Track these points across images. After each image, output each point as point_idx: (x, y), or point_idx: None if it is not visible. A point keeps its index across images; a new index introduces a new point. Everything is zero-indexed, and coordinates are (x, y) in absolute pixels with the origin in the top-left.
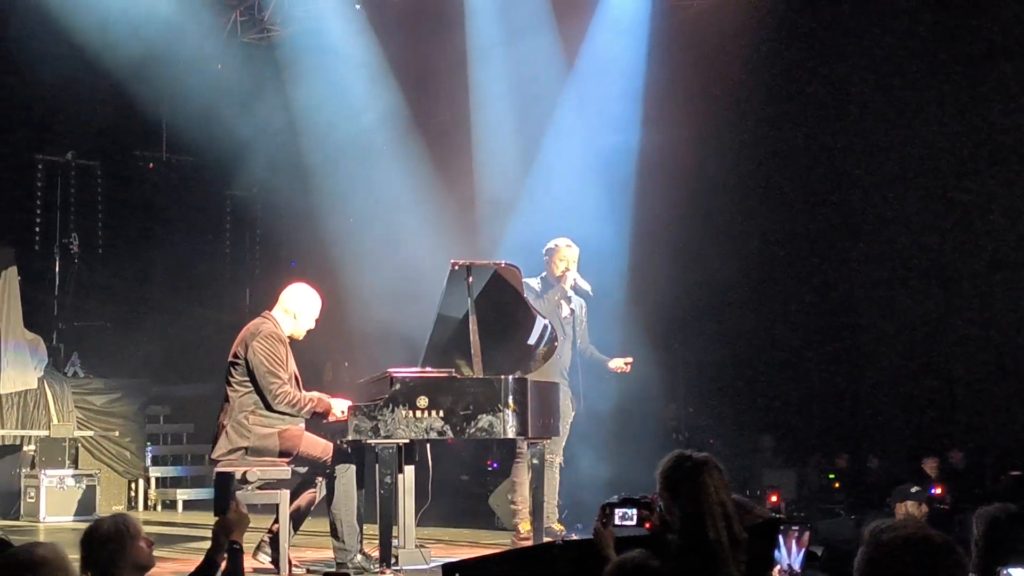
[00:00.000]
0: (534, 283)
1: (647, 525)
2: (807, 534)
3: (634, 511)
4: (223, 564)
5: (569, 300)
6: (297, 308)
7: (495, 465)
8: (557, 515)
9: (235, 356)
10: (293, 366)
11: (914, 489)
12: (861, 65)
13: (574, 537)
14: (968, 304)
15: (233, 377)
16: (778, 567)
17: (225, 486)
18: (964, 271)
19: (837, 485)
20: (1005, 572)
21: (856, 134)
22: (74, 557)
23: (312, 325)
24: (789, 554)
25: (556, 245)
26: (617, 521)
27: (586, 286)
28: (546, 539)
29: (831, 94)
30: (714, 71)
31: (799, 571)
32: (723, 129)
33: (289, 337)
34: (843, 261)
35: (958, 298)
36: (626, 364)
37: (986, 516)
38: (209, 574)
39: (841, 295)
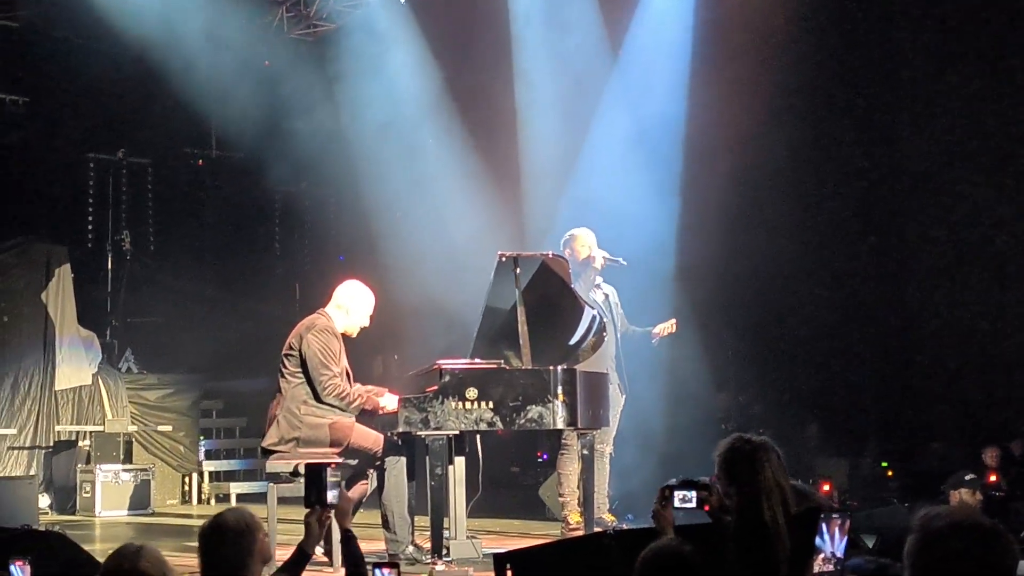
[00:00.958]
0: None
1: (706, 508)
2: (848, 522)
3: (693, 493)
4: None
5: (599, 287)
6: (350, 305)
7: (545, 456)
8: (608, 505)
9: (289, 348)
10: (345, 362)
11: (968, 476)
12: (914, 47)
13: (625, 527)
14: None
15: (286, 368)
16: (821, 555)
17: (317, 477)
18: (1021, 257)
19: (891, 473)
20: None
21: (911, 116)
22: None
23: (366, 322)
24: (832, 541)
25: (572, 234)
26: (677, 503)
27: (618, 258)
28: (597, 529)
29: (883, 76)
30: (764, 49)
31: (842, 558)
32: (772, 109)
33: (343, 334)
34: (897, 246)
35: (1015, 284)
36: (671, 326)
37: None
38: (301, 564)
39: (895, 281)
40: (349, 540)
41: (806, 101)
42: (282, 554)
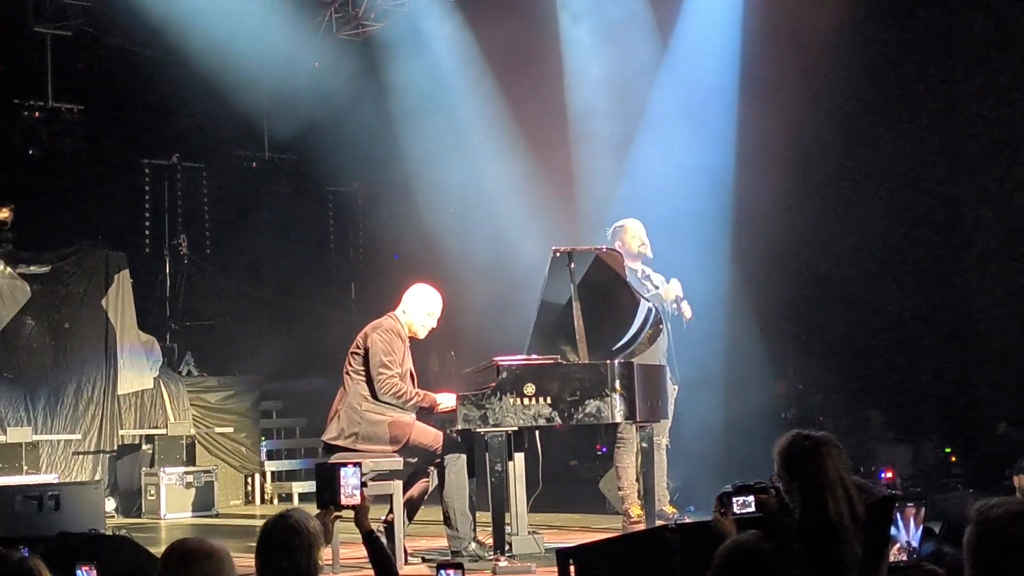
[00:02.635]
0: None
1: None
2: (923, 510)
3: (751, 497)
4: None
5: (649, 278)
6: (417, 307)
7: (603, 449)
8: (668, 497)
9: (356, 347)
10: (409, 363)
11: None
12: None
13: (687, 520)
14: None
15: (351, 366)
16: (897, 544)
17: (330, 477)
18: None
19: (954, 459)
20: None
21: (965, 103)
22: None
23: (433, 324)
24: (907, 530)
25: (622, 224)
26: (736, 509)
27: (684, 308)
28: (659, 522)
29: (938, 61)
30: (813, 46)
31: (917, 547)
32: (829, 96)
33: (410, 336)
34: (954, 230)
35: None
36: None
37: None
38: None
39: (953, 265)
40: (373, 541)
41: (864, 88)
42: (345, 552)
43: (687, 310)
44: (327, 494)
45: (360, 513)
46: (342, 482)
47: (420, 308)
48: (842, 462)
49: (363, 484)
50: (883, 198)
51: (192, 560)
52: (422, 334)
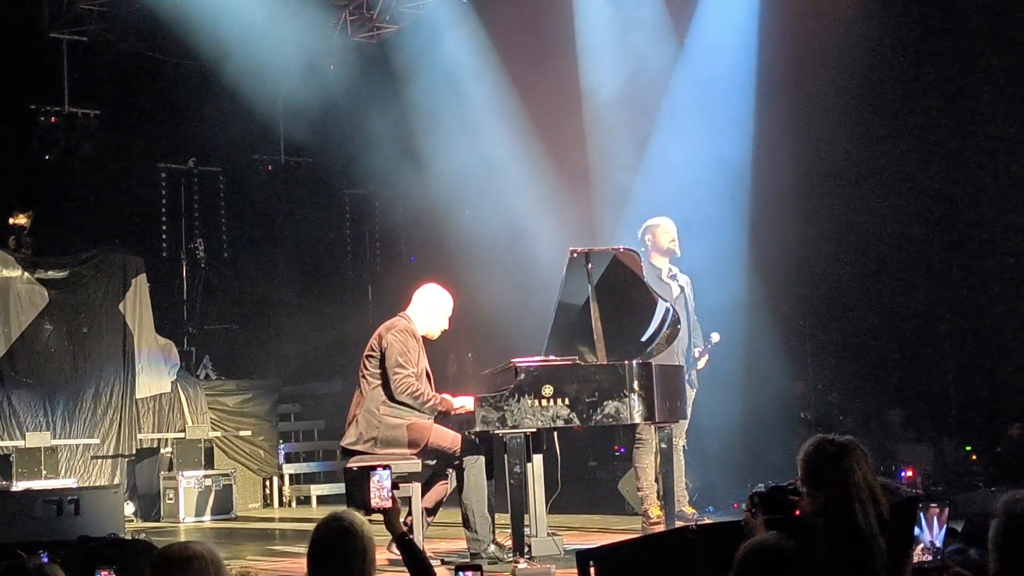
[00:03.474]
0: None
1: (797, 512)
2: (947, 510)
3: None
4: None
5: (675, 278)
6: (429, 307)
7: (622, 450)
8: (688, 498)
9: (371, 349)
10: (425, 363)
11: None
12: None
13: (707, 520)
14: None
15: (367, 369)
16: (921, 545)
17: (360, 480)
18: None
19: (975, 457)
20: None
21: (984, 100)
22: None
23: (445, 324)
24: (931, 531)
25: (655, 221)
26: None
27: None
28: (678, 523)
29: (957, 57)
30: (830, 44)
31: (941, 547)
32: (846, 93)
33: (423, 336)
34: (974, 230)
35: None
36: (704, 356)
37: None
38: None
39: (973, 264)
40: (407, 544)
41: (879, 92)
42: None
43: (702, 361)
44: (358, 497)
45: (392, 516)
46: (374, 485)
47: (441, 312)
48: (868, 465)
49: (395, 486)
50: (906, 195)
51: (175, 564)
52: (435, 335)
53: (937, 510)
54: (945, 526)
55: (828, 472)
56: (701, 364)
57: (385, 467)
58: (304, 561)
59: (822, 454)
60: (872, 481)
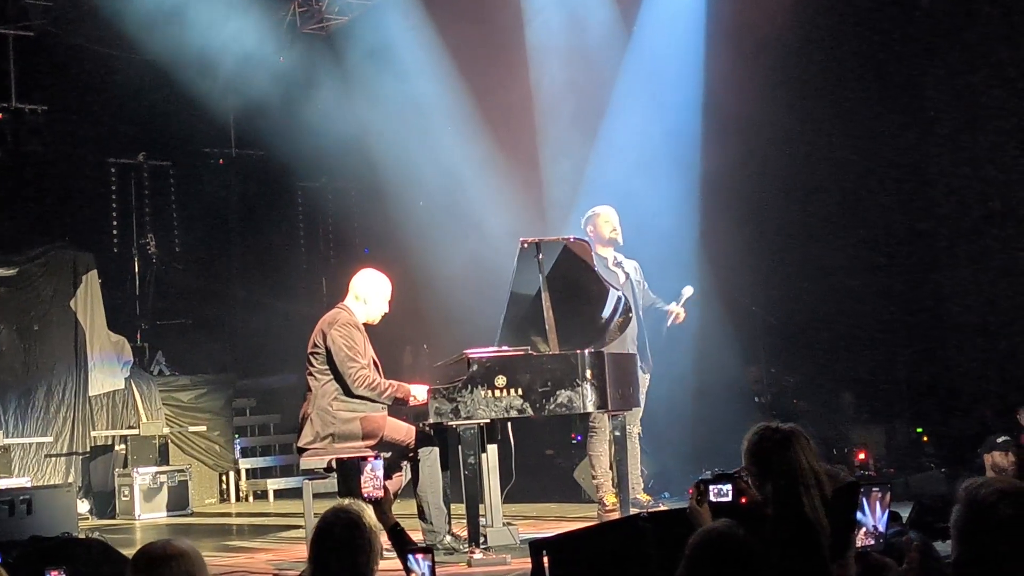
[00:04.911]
0: None
1: (743, 500)
2: (889, 494)
3: (729, 486)
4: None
5: (620, 266)
6: (367, 293)
7: (579, 438)
8: (642, 485)
9: (314, 346)
10: (371, 352)
11: (1001, 439)
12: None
13: (661, 507)
14: None
15: (314, 367)
16: (863, 529)
17: (352, 471)
18: None
19: (926, 439)
20: None
21: (933, 97)
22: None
23: (385, 308)
24: (873, 515)
25: (595, 211)
26: (712, 498)
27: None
28: (633, 510)
29: (906, 45)
30: (780, 27)
31: (884, 531)
32: (788, 82)
33: (365, 324)
34: (924, 211)
35: None
36: (682, 309)
37: None
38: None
39: (924, 244)
40: (398, 534)
41: (829, 77)
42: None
43: (681, 315)
44: (349, 488)
45: (384, 506)
46: (366, 475)
47: (379, 297)
48: (811, 452)
49: (387, 477)
50: (856, 180)
51: (160, 563)
52: (377, 320)
53: (879, 494)
54: (887, 510)
55: (773, 460)
56: (680, 318)
57: (377, 457)
58: (260, 555)
59: (766, 442)
60: (816, 467)
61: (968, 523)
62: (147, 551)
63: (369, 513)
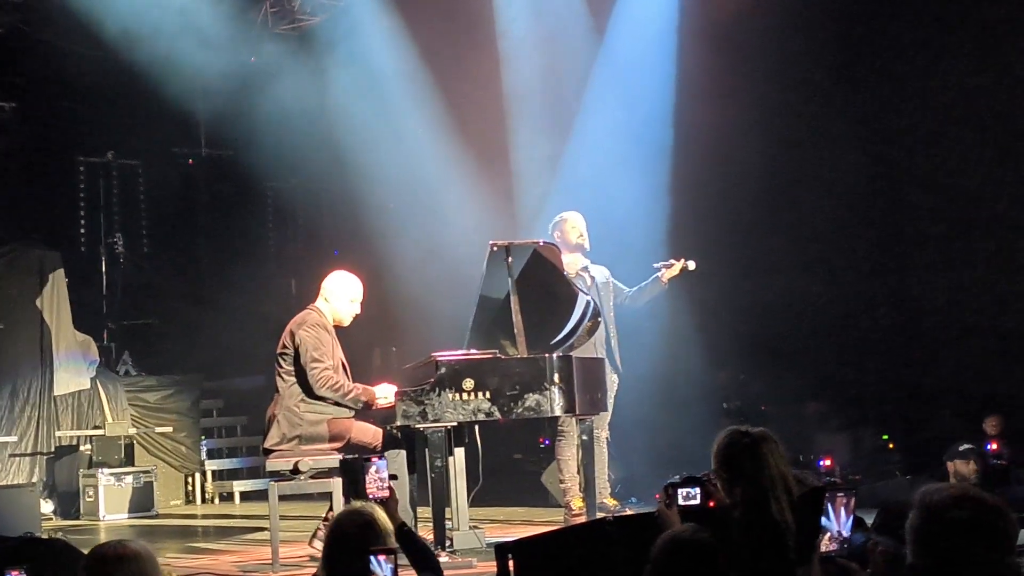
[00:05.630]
0: None
1: (712, 503)
2: (854, 499)
3: (698, 490)
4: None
5: (587, 269)
6: (338, 295)
7: (547, 442)
8: (610, 489)
9: (283, 347)
10: (340, 354)
11: (963, 447)
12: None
13: (628, 511)
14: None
15: (282, 368)
16: (828, 534)
17: (353, 471)
18: (1019, 221)
19: (892, 446)
20: None
21: (907, 106)
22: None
23: (356, 310)
24: (838, 520)
25: (563, 216)
26: (681, 501)
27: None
28: (600, 515)
29: (877, 66)
30: (751, 35)
31: (848, 537)
32: (765, 94)
33: (335, 325)
34: (893, 216)
35: (1015, 255)
36: (677, 267)
37: None
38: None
39: (893, 253)
40: (406, 535)
41: (800, 88)
42: (286, 551)
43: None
44: (356, 490)
45: (389, 507)
46: (371, 476)
47: (342, 295)
48: (780, 455)
49: (392, 477)
50: (820, 188)
51: (112, 564)
52: (347, 321)
53: (844, 499)
54: (852, 516)
55: (743, 464)
56: (669, 274)
57: (381, 457)
58: (225, 557)
59: (736, 446)
60: (785, 471)
61: (922, 527)
62: (99, 552)
63: (382, 515)
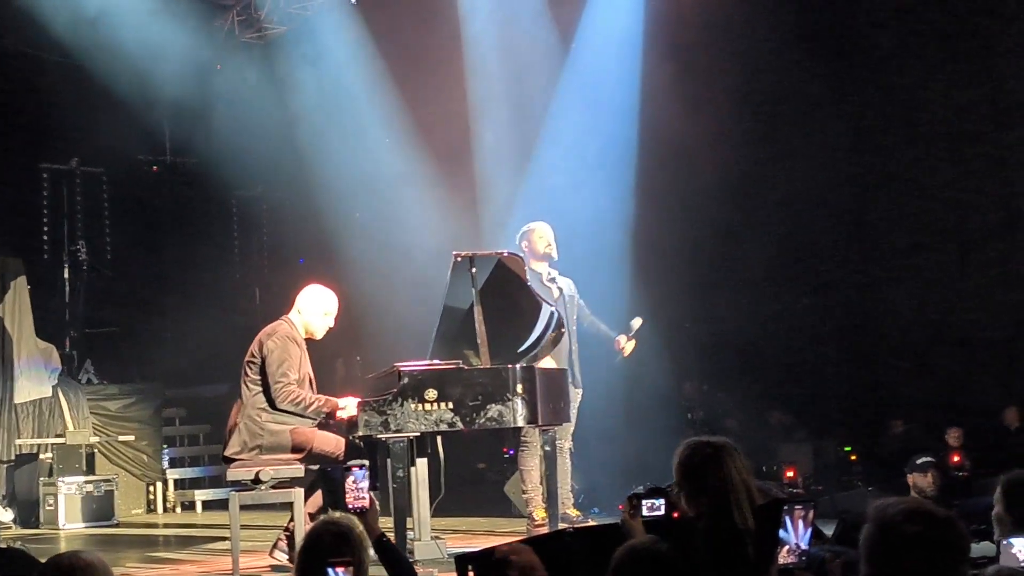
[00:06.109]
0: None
1: (675, 514)
2: (812, 512)
3: (662, 500)
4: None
5: (554, 281)
6: (311, 308)
7: (511, 452)
8: (572, 500)
9: (251, 355)
10: (308, 368)
11: (920, 460)
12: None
13: (591, 522)
14: (985, 266)
15: (248, 376)
16: (786, 547)
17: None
18: (980, 244)
19: (854, 458)
20: (1006, 542)
21: (872, 114)
22: None
23: (330, 324)
24: (796, 533)
25: (530, 227)
26: (645, 512)
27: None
28: (562, 525)
29: (843, 72)
30: (713, 46)
31: (806, 549)
32: (725, 103)
33: (306, 338)
34: (857, 228)
35: (975, 269)
36: (632, 342)
37: (1015, 481)
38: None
39: (857, 267)
40: (385, 546)
41: (765, 97)
42: (246, 561)
43: (629, 347)
44: (335, 500)
45: (369, 517)
46: (350, 485)
47: (316, 309)
48: (742, 465)
49: (373, 487)
50: (783, 199)
51: (68, 574)
52: (320, 335)
53: (802, 512)
54: (811, 528)
55: (705, 474)
56: (628, 351)
57: (361, 467)
58: (186, 567)
59: (698, 457)
60: (748, 481)
61: (875, 541)
62: (55, 563)
63: (359, 526)
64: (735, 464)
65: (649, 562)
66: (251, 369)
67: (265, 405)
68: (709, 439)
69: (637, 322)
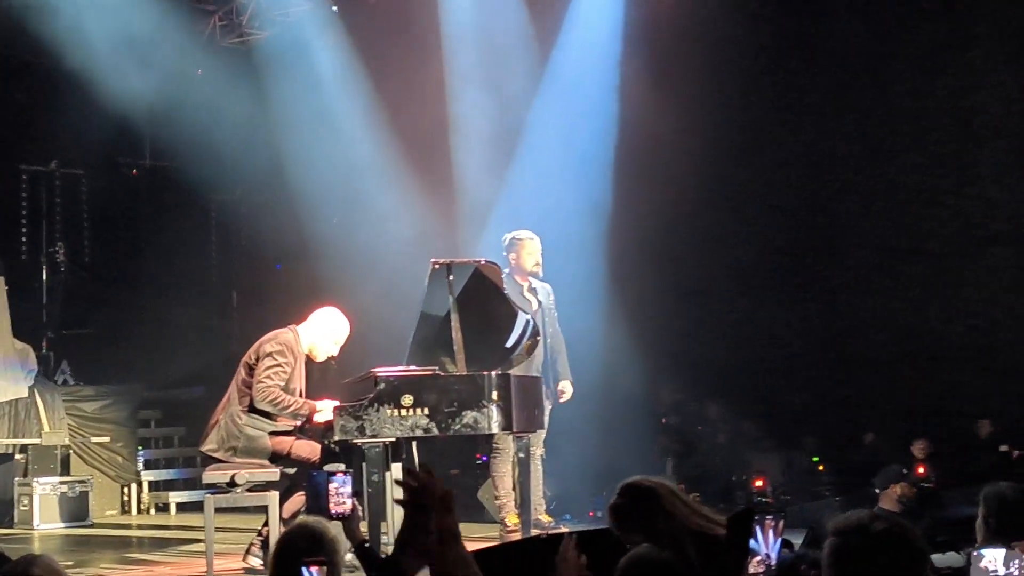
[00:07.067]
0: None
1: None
2: (782, 523)
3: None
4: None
5: (535, 292)
6: (323, 331)
7: (484, 458)
8: (545, 506)
9: (250, 357)
10: (299, 382)
11: (887, 472)
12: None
13: (562, 528)
14: (957, 277)
15: (241, 376)
16: (756, 557)
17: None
18: (949, 255)
19: (822, 468)
20: (976, 553)
21: (847, 118)
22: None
23: (334, 351)
24: (765, 543)
25: (520, 238)
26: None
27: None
28: (534, 531)
29: (811, 72)
30: (693, 56)
31: (776, 560)
32: (706, 110)
33: (307, 355)
34: (827, 237)
35: (946, 281)
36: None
37: (995, 494)
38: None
39: (827, 278)
40: (365, 552)
41: (741, 102)
42: (220, 564)
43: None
44: (318, 505)
45: (351, 523)
46: (332, 491)
47: (328, 332)
48: (678, 502)
49: (355, 493)
50: (759, 212)
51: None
52: (320, 358)
53: (772, 522)
54: (780, 538)
55: (643, 515)
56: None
57: (344, 473)
58: (160, 569)
59: (633, 499)
60: (684, 516)
61: (835, 555)
62: (7, 571)
63: (333, 531)
64: (665, 506)
65: (654, 571)
66: (246, 371)
67: (248, 408)
68: (641, 481)
69: (567, 391)
